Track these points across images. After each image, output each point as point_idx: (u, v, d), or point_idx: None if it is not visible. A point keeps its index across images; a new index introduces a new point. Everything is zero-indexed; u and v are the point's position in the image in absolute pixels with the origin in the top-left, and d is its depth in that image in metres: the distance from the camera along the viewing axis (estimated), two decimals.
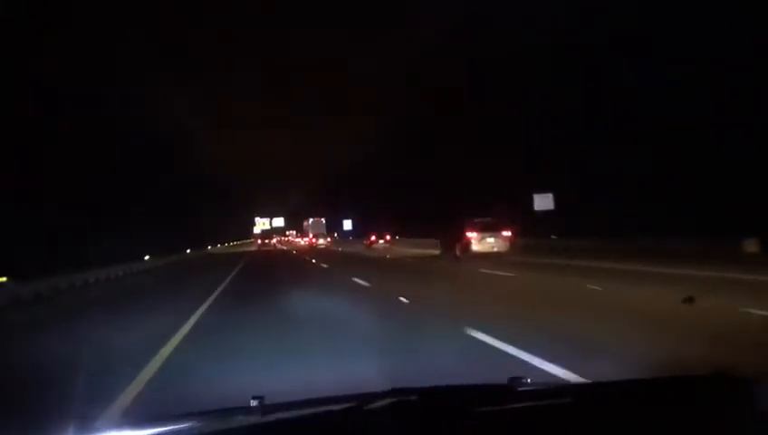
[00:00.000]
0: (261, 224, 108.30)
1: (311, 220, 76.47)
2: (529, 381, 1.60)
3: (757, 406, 1.33)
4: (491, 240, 20.22)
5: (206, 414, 1.41)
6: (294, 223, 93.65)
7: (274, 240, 73.92)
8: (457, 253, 20.90)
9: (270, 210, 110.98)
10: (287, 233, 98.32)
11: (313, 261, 24.69)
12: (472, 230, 20.44)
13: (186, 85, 38.95)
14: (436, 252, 24.15)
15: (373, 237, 38.19)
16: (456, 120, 35.14)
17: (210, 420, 1.37)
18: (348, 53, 38.34)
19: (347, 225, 77.74)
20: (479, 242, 20.18)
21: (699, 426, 1.30)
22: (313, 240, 56.98)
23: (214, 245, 58.92)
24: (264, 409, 1.39)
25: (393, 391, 1.40)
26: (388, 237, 37.71)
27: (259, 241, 74.25)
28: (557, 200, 24.48)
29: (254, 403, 1.41)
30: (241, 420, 1.37)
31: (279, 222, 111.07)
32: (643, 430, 1.29)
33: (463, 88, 33.43)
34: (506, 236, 20.48)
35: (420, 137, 42.30)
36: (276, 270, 20.10)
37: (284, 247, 59.67)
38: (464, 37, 30.23)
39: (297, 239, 79.58)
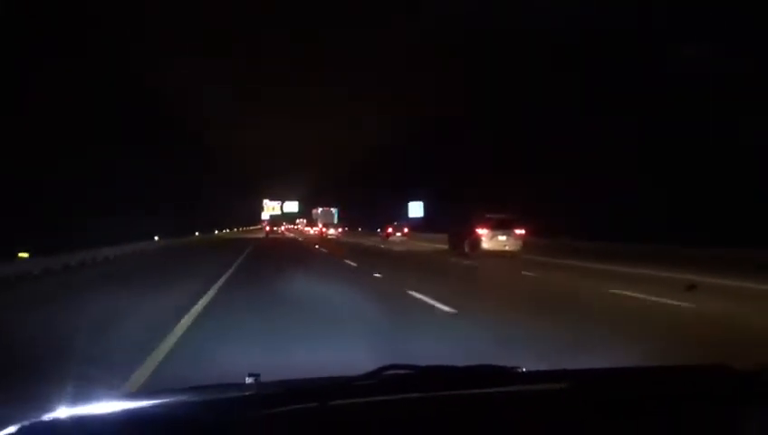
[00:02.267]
0: (270, 208, 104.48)
1: (320, 209, 78.38)
2: (524, 370, 1.64)
3: (757, 397, 1.40)
4: (503, 238, 20.78)
5: (201, 389, 1.50)
6: (309, 209, 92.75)
7: (283, 228, 75.32)
8: (466, 249, 21.56)
9: (281, 193, 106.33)
10: (297, 221, 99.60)
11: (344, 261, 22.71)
12: (483, 226, 21.01)
13: (204, 64, 40.28)
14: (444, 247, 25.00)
15: (390, 230, 38.61)
16: (475, 114, 36.07)
17: (204, 394, 1.45)
18: (375, 40, 39.35)
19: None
20: (490, 239, 20.77)
21: (698, 415, 1.36)
22: (323, 230, 57.58)
23: (220, 230, 58.89)
24: (260, 386, 1.49)
25: (389, 367, 1.45)
26: (405, 230, 38.08)
27: (267, 227, 75.72)
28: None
29: (249, 380, 1.52)
30: (235, 394, 1.45)
31: (292, 207, 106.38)
32: (640, 417, 1.35)
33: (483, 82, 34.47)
34: (519, 235, 21.07)
35: (442, 127, 43.15)
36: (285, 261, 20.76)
37: (293, 235, 61.40)
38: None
39: (306, 228, 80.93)
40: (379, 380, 1.43)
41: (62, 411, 1.19)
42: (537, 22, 25.59)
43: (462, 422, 1.32)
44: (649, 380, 1.65)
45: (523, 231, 21.34)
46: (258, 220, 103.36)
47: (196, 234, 42.75)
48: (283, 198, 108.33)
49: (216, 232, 55.92)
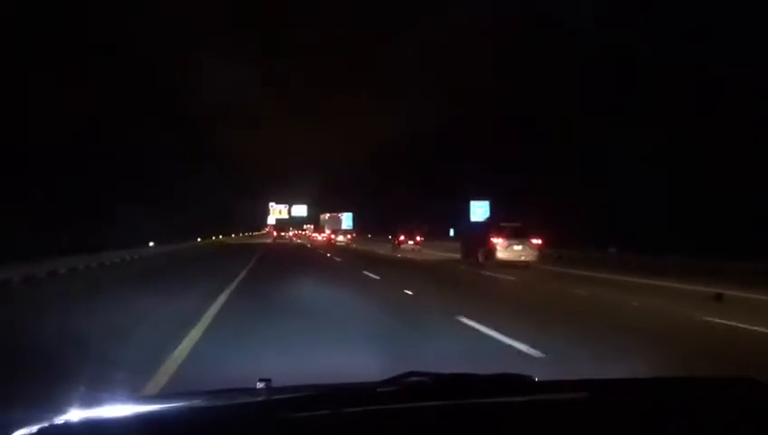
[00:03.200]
0: (276, 212, 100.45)
1: (327, 215, 78.57)
2: (537, 379, 1.66)
3: None
4: (518, 248, 20.56)
5: (212, 393, 1.53)
6: (319, 213, 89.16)
7: (291, 233, 74.92)
8: (480, 259, 21.31)
9: (289, 196, 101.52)
10: (305, 227, 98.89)
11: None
12: (498, 235, 20.79)
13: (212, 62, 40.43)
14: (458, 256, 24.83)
15: (402, 237, 38.10)
16: (490, 117, 35.92)
17: (215, 399, 1.49)
18: (377, 46, 39.57)
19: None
20: (505, 249, 20.55)
21: (718, 428, 1.37)
22: (332, 236, 57.42)
23: (217, 235, 54.71)
24: (270, 391, 1.51)
25: (408, 374, 1.49)
26: (418, 238, 37.59)
27: (274, 233, 75.48)
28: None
29: (260, 385, 1.53)
30: (247, 399, 1.49)
31: (300, 210, 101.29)
32: (659, 428, 1.37)
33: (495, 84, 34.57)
34: (536, 244, 20.82)
35: (451, 134, 42.94)
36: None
37: (300, 241, 61.32)
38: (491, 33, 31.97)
39: (314, 234, 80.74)
40: (397, 387, 1.45)
41: (74, 414, 1.25)
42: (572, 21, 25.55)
43: (481, 431, 1.32)
44: (670, 391, 1.66)
45: (539, 241, 20.89)
46: (263, 224, 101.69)
47: (198, 239, 41.35)
48: (290, 202, 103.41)
49: (214, 238, 52.26)
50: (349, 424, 1.30)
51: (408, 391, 1.46)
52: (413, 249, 36.14)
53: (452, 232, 36.49)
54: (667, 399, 1.54)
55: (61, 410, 1.24)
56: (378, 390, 1.45)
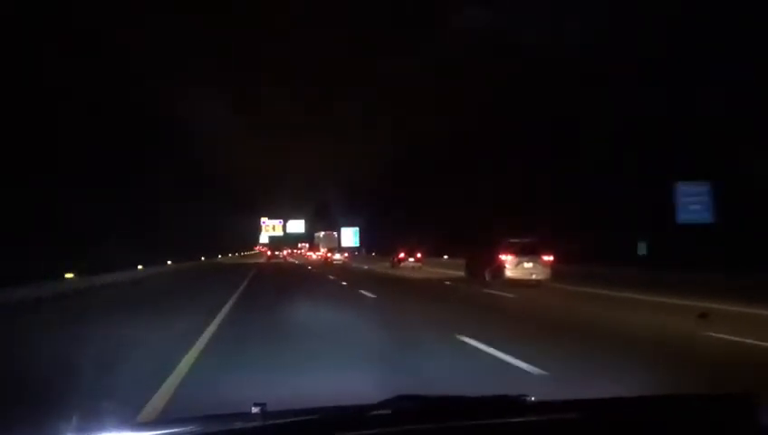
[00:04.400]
0: (269, 228, 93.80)
1: (322, 233, 78.20)
2: (533, 399, 1.70)
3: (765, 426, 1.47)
4: (529, 265, 20.10)
5: (207, 419, 1.57)
6: (320, 229, 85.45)
7: (285, 252, 73.80)
8: (487, 277, 20.88)
9: (283, 211, 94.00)
10: (299, 245, 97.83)
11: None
12: (506, 252, 20.34)
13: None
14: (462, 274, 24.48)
15: (402, 254, 37.75)
16: (493, 130, 35.82)
17: (210, 424, 1.52)
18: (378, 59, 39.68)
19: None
20: (515, 266, 20.07)
21: None
22: (328, 254, 57.12)
23: (198, 257, 47.97)
24: (266, 415, 1.53)
25: (397, 399, 1.54)
26: (419, 255, 37.26)
27: (268, 253, 73.87)
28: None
29: (255, 410, 1.55)
30: (241, 425, 1.51)
31: (296, 226, 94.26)
32: None
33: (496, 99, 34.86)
34: (547, 262, 20.35)
35: (451, 148, 42.81)
36: None
37: (295, 261, 60.31)
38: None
39: (309, 253, 79.99)
40: (389, 411, 1.52)
41: None
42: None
43: None
44: (663, 409, 1.69)
45: (551, 257, 20.38)
46: (254, 242, 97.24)
47: (169, 262, 33.98)
48: (285, 217, 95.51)
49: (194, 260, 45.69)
50: None
51: (400, 414, 1.51)
52: (413, 267, 35.78)
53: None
54: (660, 417, 1.59)
55: None
56: (369, 414, 1.48)
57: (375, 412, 1.49)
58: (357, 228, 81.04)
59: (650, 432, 1.52)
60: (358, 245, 78.54)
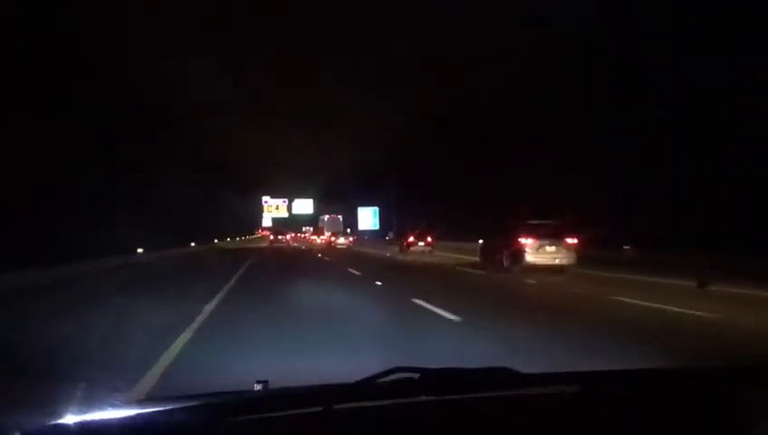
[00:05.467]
0: (272, 208, 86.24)
1: (326, 217, 75.39)
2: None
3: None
4: (551, 249, 19.03)
5: (209, 396, 1.59)
6: (326, 210, 78.88)
7: (288, 236, 72.14)
8: (505, 263, 19.93)
9: (288, 189, 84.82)
10: (303, 229, 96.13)
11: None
12: (527, 235, 19.24)
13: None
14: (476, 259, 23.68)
15: (411, 238, 36.90)
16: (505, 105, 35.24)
17: (210, 400, 1.55)
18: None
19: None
20: (536, 251, 19.00)
21: (712, 416, 1.50)
22: (332, 239, 56.72)
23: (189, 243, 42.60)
24: (268, 392, 1.61)
25: (396, 369, 1.57)
26: (429, 239, 36.35)
27: (271, 237, 72.11)
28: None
29: (257, 387, 1.63)
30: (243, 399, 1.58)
31: (303, 206, 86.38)
32: (653, 420, 1.49)
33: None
34: (571, 245, 19.22)
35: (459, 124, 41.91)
36: None
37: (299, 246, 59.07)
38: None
39: (313, 237, 78.61)
40: (386, 383, 1.54)
41: (69, 418, 1.34)
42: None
43: (472, 426, 1.45)
44: (664, 381, 1.77)
45: (575, 240, 19.17)
46: (256, 226, 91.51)
47: (139, 250, 27.23)
48: (291, 195, 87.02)
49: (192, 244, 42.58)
50: (341, 421, 1.44)
51: (398, 386, 1.54)
52: (423, 251, 35.10)
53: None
54: (658, 389, 1.64)
55: (57, 414, 1.33)
56: (367, 385, 1.54)
57: (374, 383, 1.54)
58: (376, 208, 74.39)
59: (654, 405, 1.53)
60: (377, 227, 70.47)
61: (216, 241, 56.86)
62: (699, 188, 21.33)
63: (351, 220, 76.65)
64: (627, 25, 24.26)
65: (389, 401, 1.47)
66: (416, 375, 1.54)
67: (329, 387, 1.59)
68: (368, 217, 74.71)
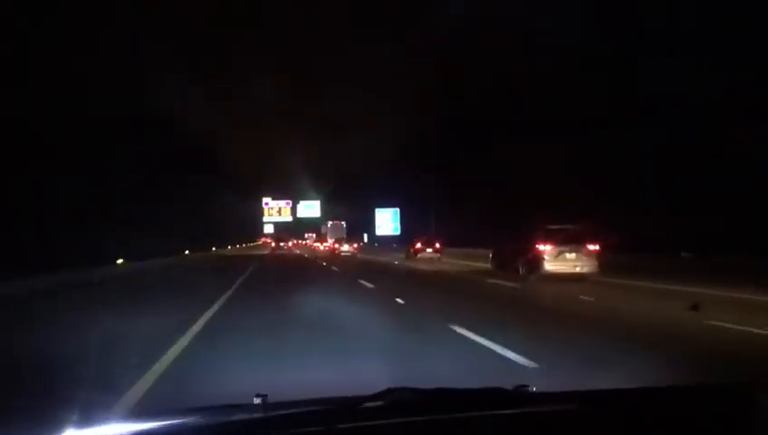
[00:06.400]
0: (274, 211, 79.33)
1: (329, 223, 73.98)
2: (534, 389, 1.81)
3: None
4: (572, 256, 18.13)
5: (209, 410, 1.64)
6: (335, 213, 74.96)
7: (290, 243, 71.18)
8: (520, 271, 19.06)
9: (292, 190, 78.72)
10: (306, 236, 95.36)
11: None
12: (545, 241, 18.32)
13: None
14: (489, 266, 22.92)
15: (419, 245, 36.35)
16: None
17: (212, 416, 1.61)
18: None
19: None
20: (555, 258, 18.10)
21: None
22: (335, 246, 56.32)
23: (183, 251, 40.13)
24: (267, 406, 1.65)
25: (390, 391, 1.64)
26: (437, 245, 35.86)
27: (273, 244, 71.53)
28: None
29: (257, 401, 1.68)
30: (242, 416, 1.61)
31: (310, 209, 79.90)
32: None
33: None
34: (593, 251, 18.30)
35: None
36: None
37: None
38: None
39: (316, 244, 77.45)
40: (386, 402, 1.61)
41: (70, 433, 1.40)
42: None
43: None
44: (662, 400, 1.76)
45: (596, 246, 18.14)
46: (258, 233, 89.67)
47: (120, 261, 24.71)
48: (295, 197, 79.87)
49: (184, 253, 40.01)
50: None
51: (395, 406, 1.59)
52: (431, 258, 34.46)
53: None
54: (656, 409, 1.65)
55: (56, 429, 1.37)
56: (363, 406, 1.59)
57: (367, 404, 1.58)
58: (397, 209, 67.39)
59: (649, 423, 1.56)
60: (398, 232, 63.13)
61: (214, 249, 56.00)
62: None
63: (368, 224, 71.10)
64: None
65: (384, 422, 1.51)
66: (410, 395, 1.62)
67: (326, 409, 1.64)
68: (387, 220, 68.73)
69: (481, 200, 39.54)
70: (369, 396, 1.59)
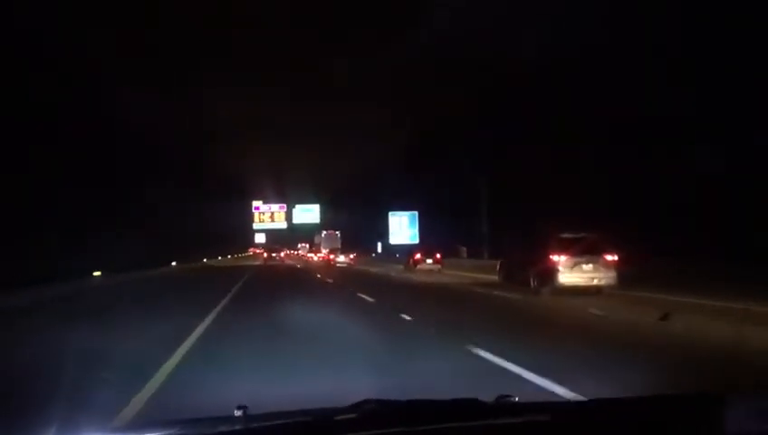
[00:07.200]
0: (266, 217, 70.71)
1: (323, 233, 72.80)
2: (516, 399, 1.87)
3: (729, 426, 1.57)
4: (588, 267, 17.14)
5: (190, 422, 1.70)
6: (336, 217, 71.03)
7: (282, 253, 70.08)
8: (532, 283, 18.07)
9: (289, 194, 71.12)
10: (299, 246, 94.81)
11: None
12: (559, 251, 17.31)
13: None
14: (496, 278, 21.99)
15: (418, 255, 35.89)
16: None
17: (193, 428, 1.67)
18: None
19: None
20: (571, 269, 17.09)
21: None
22: (330, 256, 56.13)
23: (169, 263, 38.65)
24: (247, 419, 1.71)
25: (367, 402, 1.71)
26: (438, 256, 35.43)
27: (265, 254, 70.41)
28: None
29: (237, 413, 1.75)
30: (222, 429, 1.67)
31: (307, 214, 72.84)
32: None
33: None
34: (611, 262, 17.32)
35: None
36: None
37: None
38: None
39: (309, 255, 76.57)
40: (361, 414, 1.64)
41: None
42: None
43: None
44: (635, 411, 1.81)
45: (615, 257, 17.24)
46: (248, 243, 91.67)
47: (96, 273, 24.09)
48: (289, 200, 71.85)
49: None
50: None
51: (367, 418, 1.62)
52: (431, 270, 33.89)
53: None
54: (630, 419, 1.69)
55: None
56: (340, 418, 1.63)
57: (344, 416, 1.63)
58: (414, 212, 58.67)
59: (622, 433, 1.61)
60: (416, 240, 54.18)
61: (205, 260, 55.05)
62: None
63: (381, 230, 62.71)
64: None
65: (367, 432, 1.53)
66: (385, 407, 1.68)
67: (303, 421, 1.66)
68: (402, 226, 59.71)
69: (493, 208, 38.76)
70: (345, 408, 1.67)
